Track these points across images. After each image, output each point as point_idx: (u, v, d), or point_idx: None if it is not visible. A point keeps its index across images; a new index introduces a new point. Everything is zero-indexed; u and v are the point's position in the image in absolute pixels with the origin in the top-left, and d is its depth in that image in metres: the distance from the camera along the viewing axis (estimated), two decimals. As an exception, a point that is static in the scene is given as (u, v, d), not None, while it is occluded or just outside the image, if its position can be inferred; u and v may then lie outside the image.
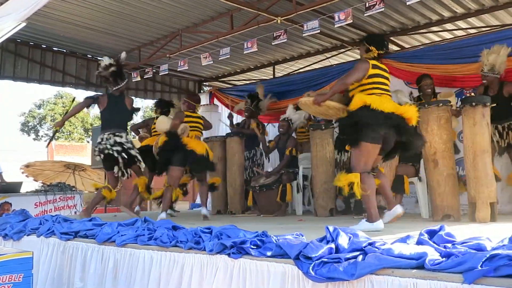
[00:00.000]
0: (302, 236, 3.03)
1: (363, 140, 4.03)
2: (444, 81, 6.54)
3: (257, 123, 7.62)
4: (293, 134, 7.27)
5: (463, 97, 5.76)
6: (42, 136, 30.84)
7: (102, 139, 5.50)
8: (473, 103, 4.62)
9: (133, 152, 5.52)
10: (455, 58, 6.51)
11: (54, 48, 8.81)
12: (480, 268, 2.01)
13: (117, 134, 5.49)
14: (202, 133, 6.44)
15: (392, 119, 4.04)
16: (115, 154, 5.37)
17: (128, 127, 6.37)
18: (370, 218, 4.13)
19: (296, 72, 9.47)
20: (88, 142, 27.10)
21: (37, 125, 30.98)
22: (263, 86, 8.25)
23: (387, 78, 4.34)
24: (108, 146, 5.40)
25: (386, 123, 4.02)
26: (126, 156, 5.45)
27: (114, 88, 5.65)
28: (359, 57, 8.49)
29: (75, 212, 9.33)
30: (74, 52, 9.02)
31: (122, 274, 3.76)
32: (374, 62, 4.30)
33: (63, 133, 29.97)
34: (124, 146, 5.47)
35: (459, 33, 7.77)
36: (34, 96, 58.32)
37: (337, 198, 6.39)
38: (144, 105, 29.32)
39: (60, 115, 29.72)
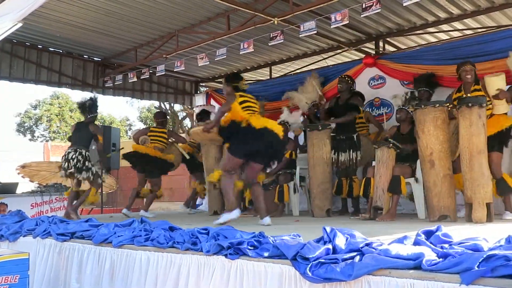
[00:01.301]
0: (299, 236, 3.03)
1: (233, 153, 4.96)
2: (440, 82, 6.54)
3: None
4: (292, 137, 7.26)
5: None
6: (38, 136, 30.76)
7: (66, 154, 6.75)
8: (470, 104, 4.63)
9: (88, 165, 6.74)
10: (452, 59, 6.52)
11: (50, 49, 8.78)
12: (477, 268, 2.02)
13: (78, 150, 6.66)
14: (164, 144, 7.61)
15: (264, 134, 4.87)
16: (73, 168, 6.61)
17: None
18: (228, 209, 4.95)
19: (292, 72, 9.47)
20: (84, 142, 27.01)
21: (33, 126, 30.87)
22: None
23: (254, 103, 5.24)
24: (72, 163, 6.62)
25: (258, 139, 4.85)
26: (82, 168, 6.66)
27: (88, 117, 6.94)
28: (355, 57, 8.58)
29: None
30: (70, 53, 8.99)
31: (118, 275, 3.75)
32: (240, 93, 5.17)
33: (59, 133, 29.90)
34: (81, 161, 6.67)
35: (455, 34, 7.80)
36: (30, 96, 58.22)
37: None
38: (140, 106, 29.30)
39: (56, 115, 29.66)
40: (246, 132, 4.89)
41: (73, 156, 6.59)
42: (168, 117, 8.25)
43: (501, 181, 5.05)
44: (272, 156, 5.18)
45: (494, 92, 5.07)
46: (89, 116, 6.95)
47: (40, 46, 8.62)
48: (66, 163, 6.61)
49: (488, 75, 5.31)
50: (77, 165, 6.56)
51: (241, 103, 5.04)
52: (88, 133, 6.86)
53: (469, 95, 5.27)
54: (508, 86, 5.34)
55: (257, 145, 4.89)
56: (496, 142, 5.05)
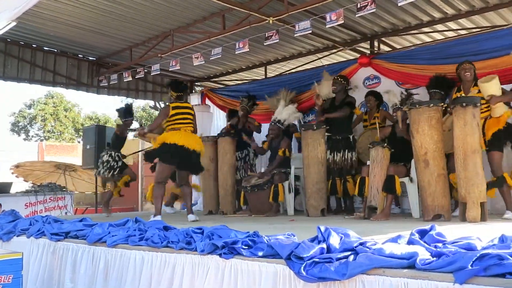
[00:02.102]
0: (294, 236, 3.03)
1: (162, 161, 5.76)
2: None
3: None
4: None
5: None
6: (32, 136, 30.64)
7: (101, 157, 7.62)
8: (464, 104, 4.65)
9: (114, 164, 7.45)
10: (446, 57, 6.55)
11: (45, 48, 8.75)
12: (470, 267, 2.02)
13: (108, 152, 7.50)
14: None
15: (182, 150, 5.64)
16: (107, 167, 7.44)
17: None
18: (156, 213, 5.72)
19: (288, 72, 9.48)
20: (79, 142, 26.94)
21: (27, 125, 30.75)
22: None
23: (188, 113, 5.96)
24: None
25: (178, 153, 5.65)
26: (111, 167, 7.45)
27: (122, 121, 7.66)
28: (350, 57, 8.60)
29: (66, 213, 9.28)
30: (65, 52, 8.96)
31: (113, 275, 3.74)
32: (175, 104, 5.91)
33: (54, 133, 29.80)
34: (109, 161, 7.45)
35: (450, 34, 7.82)
36: (25, 96, 57.92)
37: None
38: (136, 105, 29.24)
39: (51, 115, 29.57)
40: (171, 148, 5.67)
41: (105, 159, 7.43)
42: None
43: (501, 178, 5.10)
44: (191, 166, 5.95)
45: (486, 98, 5.13)
46: (123, 121, 7.66)
47: (35, 45, 8.59)
48: (101, 165, 7.46)
49: (481, 79, 5.34)
50: (108, 165, 7.37)
51: (172, 115, 5.82)
52: (118, 136, 7.64)
53: (469, 95, 5.31)
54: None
55: (178, 157, 5.70)
56: (496, 141, 5.12)
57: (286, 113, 7.03)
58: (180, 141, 5.68)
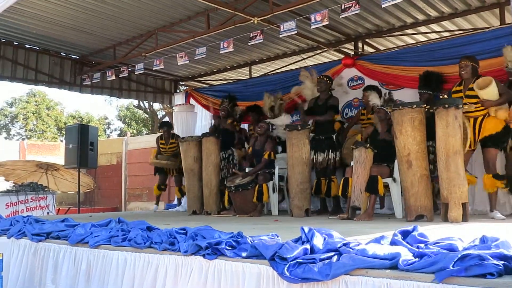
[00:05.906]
0: (278, 236, 3.03)
1: None
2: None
3: (233, 120, 7.70)
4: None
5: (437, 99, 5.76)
6: (13, 135, 30.20)
7: None
8: (446, 105, 4.69)
9: None
10: (430, 60, 6.61)
11: (27, 46, 8.63)
12: (451, 268, 2.04)
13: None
14: None
15: None
16: None
17: None
18: None
19: (272, 72, 9.49)
20: (61, 141, 26.63)
21: (9, 124, 30.31)
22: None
23: None
24: None
25: None
26: None
27: None
28: (334, 58, 8.64)
29: (48, 213, 9.17)
30: (47, 50, 8.85)
31: (95, 276, 3.70)
32: None
33: (36, 132, 29.42)
34: None
35: (433, 36, 7.90)
36: (6, 94, 57.05)
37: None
38: (119, 104, 29.00)
39: (33, 113, 29.20)
40: None
41: None
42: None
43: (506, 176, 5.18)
44: None
45: (480, 102, 5.16)
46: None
47: (16, 43, 8.47)
48: None
49: (477, 82, 5.20)
50: None
51: None
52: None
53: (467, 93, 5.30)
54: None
55: None
56: (494, 139, 5.18)
57: (280, 122, 7.07)
58: None
